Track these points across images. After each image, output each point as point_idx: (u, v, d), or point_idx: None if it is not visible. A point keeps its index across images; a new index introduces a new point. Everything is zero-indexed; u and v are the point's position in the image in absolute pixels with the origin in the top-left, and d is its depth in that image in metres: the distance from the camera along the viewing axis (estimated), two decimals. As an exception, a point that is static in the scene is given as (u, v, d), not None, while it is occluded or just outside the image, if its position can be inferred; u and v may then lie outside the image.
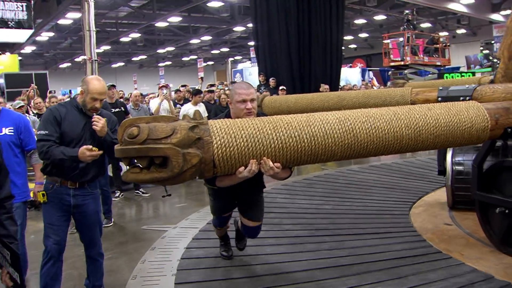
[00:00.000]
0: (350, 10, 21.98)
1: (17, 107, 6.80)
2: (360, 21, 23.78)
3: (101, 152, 2.94)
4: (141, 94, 8.37)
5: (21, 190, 3.43)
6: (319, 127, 2.57)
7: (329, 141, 2.57)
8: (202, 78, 14.95)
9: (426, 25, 26.01)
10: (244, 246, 3.99)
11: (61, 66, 34.54)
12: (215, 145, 2.34)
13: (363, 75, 18.05)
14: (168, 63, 39.25)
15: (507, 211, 3.77)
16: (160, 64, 36.64)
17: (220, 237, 4.01)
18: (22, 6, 12.73)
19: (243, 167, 2.43)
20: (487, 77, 7.02)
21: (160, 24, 23.23)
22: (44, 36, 23.30)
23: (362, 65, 24.65)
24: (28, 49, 26.45)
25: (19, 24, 12.78)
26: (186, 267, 3.81)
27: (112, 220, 5.54)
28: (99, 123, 3.00)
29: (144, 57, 35.02)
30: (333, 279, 3.41)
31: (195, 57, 34.51)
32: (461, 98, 4.61)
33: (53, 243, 3.07)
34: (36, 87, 10.42)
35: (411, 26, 15.77)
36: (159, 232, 4.90)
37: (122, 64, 37.48)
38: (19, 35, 13.55)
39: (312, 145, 2.53)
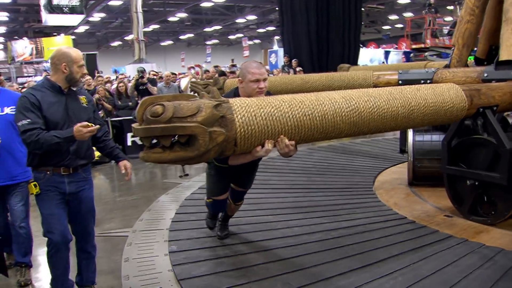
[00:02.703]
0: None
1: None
2: (403, 0, 24.29)
3: (98, 126, 2.89)
4: (172, 73, 9.96)
5: (24, 169, 3.45)
6: (329, 105, 2.74)
7: (337, 119, 2.75)
8: (233, 59, 16.34)
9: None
10: (226, 235, 4.18)
11: (112, 44, 37.03)
12: (238, 123, 2.40)
13: (386, 57, 18.75)
14: (216, 41, 40.92)
15: (476, 183, 4.32)
16: (208, 43, 38.41)
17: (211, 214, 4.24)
18: (75, -7, 14.75)
19: (260, 146, 2.52)
20: (432, 62, 7.91)
21: (206, 4, 24.77)
22: (96, 16, 25.48)
23: (405, 44, 25.11)
24: (82, 29, 28.88)
25: (72, 10, 14.83)
26: (187, 204, 5.34)
27: None
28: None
29: (191, 35, 36.86)
30: (280, 222, 4.71)
31: (242, 35, 35.96)
32: (422, 81, 5.31)
33: (59, 234, 2.97)
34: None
35: (433, 10, 16.45)
36: (176, 184, 6.46)
37: (170, 42, 39.47)
38: (72, 20, 15.65)
39: (323, 123, 2.69)
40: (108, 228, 4.75)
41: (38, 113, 2.83)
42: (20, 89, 7.95)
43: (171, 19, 28.84)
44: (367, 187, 5.78)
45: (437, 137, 5.43)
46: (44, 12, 15.12)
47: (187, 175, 5.24)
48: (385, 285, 3.21)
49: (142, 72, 8.87)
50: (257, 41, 41.61)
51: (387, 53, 19.50)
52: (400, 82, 5.56)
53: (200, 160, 2.39)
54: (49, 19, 15.04)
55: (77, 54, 3.00)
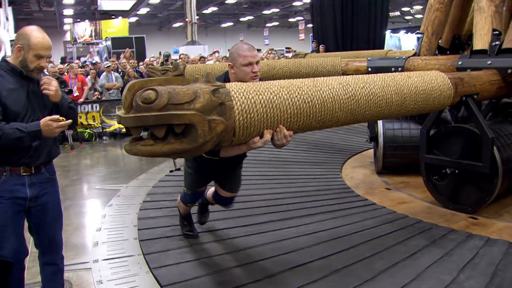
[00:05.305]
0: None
1: (105, 66, 9.96)
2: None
3: (70, 121, 2.48)
4: (201, 57, 11.10)
5: None
6: (327, 92, 2.61)
7: (335, 107, 2.64)
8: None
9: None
10: (206, 220, 4.12)
11: (174, 25, 38.89)
12: (237, 111, 2.23)
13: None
14: (276, 23, 41.83)
15: (456, 171, 4.46)
16: (267, 25, 39.38)
17: (183, 216, 4.02)
18: (126, -21, 16.36)
19: (258, 137, 2.37)
20: (393, 51, 8.18)
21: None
22: (157, -2, 27.17)
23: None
24: (144, 11, 30.78)
25: (124, -4, 16.42)
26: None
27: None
28: (50, 85, 2.49)
29: (251, 17, 37.97)
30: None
31: (301, 18, 36.56)
32: (393, 69, 5.52)
33: (11, 251, 2.56)
34: (130, 50, 13.58)
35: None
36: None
37: (231, 24, 40.81)
38: (124, 4, 17.28)
39: (322, 111, 2.57)
40: (109, 183, 6.05)
41: None
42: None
43: (228, 1, 30.04)
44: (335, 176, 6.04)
45: (406, 125, 5.74)
46: (99, -3, 16.95)
47: (178, 169, 4.94)
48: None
49: (167, 56, 10.11)
50: (317, 24, 42.06)
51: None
52: (369, 69, 5.81)
53: (197, 153, 2.20)
54: (104, 4, 16.84)
55: (39, 41, 2.49)
